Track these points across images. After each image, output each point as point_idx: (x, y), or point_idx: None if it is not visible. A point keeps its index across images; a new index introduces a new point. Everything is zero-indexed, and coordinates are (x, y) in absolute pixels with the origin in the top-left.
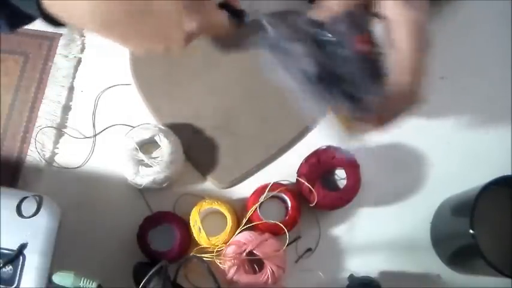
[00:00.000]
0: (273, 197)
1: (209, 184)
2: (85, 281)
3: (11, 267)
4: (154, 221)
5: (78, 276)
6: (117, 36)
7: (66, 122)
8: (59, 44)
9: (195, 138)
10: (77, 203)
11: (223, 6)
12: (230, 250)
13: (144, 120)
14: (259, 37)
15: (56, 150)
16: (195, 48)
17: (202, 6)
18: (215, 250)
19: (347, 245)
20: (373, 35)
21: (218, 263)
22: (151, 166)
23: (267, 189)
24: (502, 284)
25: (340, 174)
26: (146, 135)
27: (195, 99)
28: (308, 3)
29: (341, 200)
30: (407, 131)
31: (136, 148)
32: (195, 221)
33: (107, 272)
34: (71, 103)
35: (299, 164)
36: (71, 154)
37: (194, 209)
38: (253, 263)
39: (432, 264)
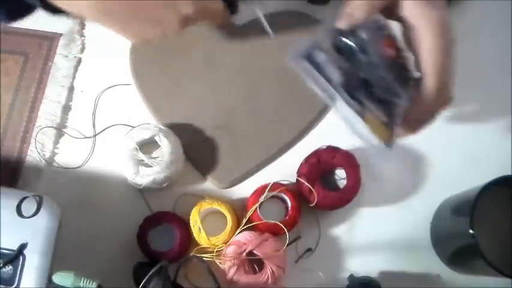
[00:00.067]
0: (273, 197)
1: (209, 184)
2: (85, 281)
3: (11, 267)
4: (154, 221)
5: (78, 276)
6: (114, 22)
7: (66, 122)
8: (59, 44)
9: (195, 138)
10: (77, 203)
11: None
12: (230, 250)
13: (144, 120)
14: (288, 51)
15: (56, 150)
16: (195, 48)
17: None
18: (215, 250)
19: (347, 245)
20: (398, 39)
21: (218, 263)
22: (151, 166)
23: (267, 189)
24: (502, 284)
25: (340, 174)
26: (146, 135)
27: (195, 99)
28: (308, 3)
29: (341, 200)
30: None
31: (136, 148)
32: (195, 221)
33: (107, 272)
34: (71, 103)
35: (299, 164)
36: (71, 154)
37: (194, 209)
38: (253, 263)
39: (432, 264)
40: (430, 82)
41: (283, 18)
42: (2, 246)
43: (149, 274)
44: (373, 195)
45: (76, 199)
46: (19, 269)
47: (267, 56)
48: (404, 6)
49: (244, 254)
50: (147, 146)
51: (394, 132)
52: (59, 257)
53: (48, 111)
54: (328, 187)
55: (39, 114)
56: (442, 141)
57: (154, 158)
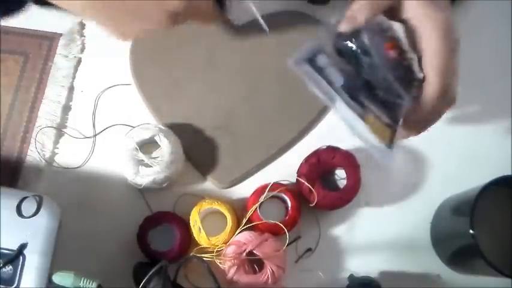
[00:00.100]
0: (273, 197)
1: (209, 184)
2: (85, 281)
3: (11, 267)
4: (154, 221)
5: (78, 276)
6: (103, 18)
7: (66, 122)
8: (59, 44)
9: (195, 138)
10: (77, 203)
11: None
12: (230, 250)
13: (144, 120)
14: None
15: (56, 150)
16: (195, 48)
17: None
18: (215, 250)
19: (347, 245)
20: (401, 40)
21: (218, 263)
22: (151, 166)
23: (267, 189)
24: (502, 284)
25: (340, 174)
26: (146, 135)
27: (195, 99)
28: (308, 3)
29: (341, 200)
30: None
31: (136, 148)
32: (195, 221)
33: (107, 272)
34: (71, 103)
35: (299, 164)
36: (71, 154)
37: (194, 209)
38: (253, 263)
39: (432, 264)
40: (433, 83)
41: (283, 18)
42: (2, 246)
43: (149, 274)
44: (373, 196)
45: (76, 199)
46: (19, 269)
47: (267, 56)
48: (408, 8)
49: (244, 254)
50: (147, 146)
51: (397, 133)
52: (59, 257)
53: (48, 111)
54: (328, 187)
55: (39, 114)
56: (442, 141)
57: (154, 158)
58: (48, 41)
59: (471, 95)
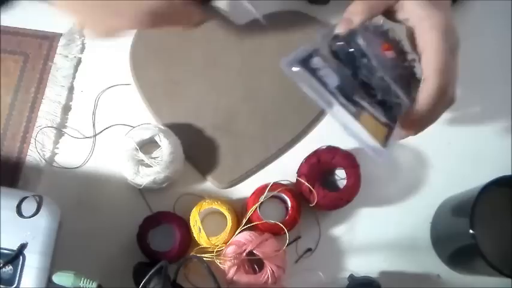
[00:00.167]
0: (273, 197)
1: (209, 184)
2: (85, 281)
3: (11, 267)
4: (154, 221)
5: (78, 276)
6: (84, 15)
7: (66, 122)
8: (59, 44)
9: (195, 138)
10: (77, 203)
11: None
12: (230, 250)
13: (144, 120)
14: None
15: (56, 150)
16: (195, 48)
17: None
18: (215, 250)
19: (347, 245)
20: (401, 41)
21: (218, 263)
22: (151, 166)
23: (267, 189)
24: (502, 284)
25: (340, 174)
26: (146, 135)
27: (195, 99)
28: (308, 3)
29: (341, 200)
30: None
31: (136, 148)
32: (195, 221)
33: (107, 272)
34: (71, 103)
35: (299, 164)
36: (71, 154)
37: (194, 209)
38: (253, 263)
39: (432, 264)
40: (430, 82)
41: (283, 18)
42: (2, 246)
43: (149, 274)
44: (373, 195)
45: (76, 199)
46: (19, 269)
47: (267, 56)
48: (407, 8)
49: (244, 254)
50: (147, 146)
51: (395, 133)
52: (59, 257)
53: (48, 111)
54: (328, 187)
55: (39, 114)
56: (442, 141)
57: (154, 158)
58: (48, 41)
59: (471, 95)
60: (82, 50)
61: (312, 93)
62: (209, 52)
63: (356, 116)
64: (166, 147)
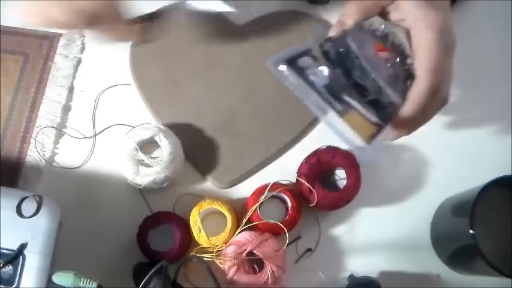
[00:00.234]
0: (273, 197)
1: (209, 184)
2: (85, 281)
3: (11, 267)
4: (154, 221)
5: (78, 276)
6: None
7: (66, 122)
8: (59, 44)
9: (195, 138)
10: (77, 203)
11: None
12: (230, 250)
13: (144, 120)
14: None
15: (56, 150)
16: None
17: None
18: (215, 250)
19: (347, 245)
20: (399, 44)
21: (218, 263)
22: (151, 166)
23: (267, 189)
24: (502, 284)
25: (340, 174)
26: (146, 135)
27: (195, 99)
28: (308, 3)
29: (341, 200)
30: None
31: (136, 148)
32: (195, 221)
33: (107, 272)
34: (71, 103)
35: (299, 164)
36: (71, 154)
37: (194, 209)
38: (253, 263)
39: (432, 264)
40: (422, 82)
41: (283, 18)
42: (2, 246)
43: (149, 274)
44: (373, 195)
45: (76, 199)
46: (19, 269)
47: (267, 56)
48: (403, 8)
49: (244, 254)
50: (147, 146)
51: (384, 132)
52: (59, 257)
53: (48, 111)
54: (328, 187)
55: (39, 114)
56: (442, 141)
57: (154, 158)
58: (48, 41)
59: (471, 95)
60: (82, 50)
61: (297, 92)
62: (209, 52)
63: (341, 114)
64: (166, 147)
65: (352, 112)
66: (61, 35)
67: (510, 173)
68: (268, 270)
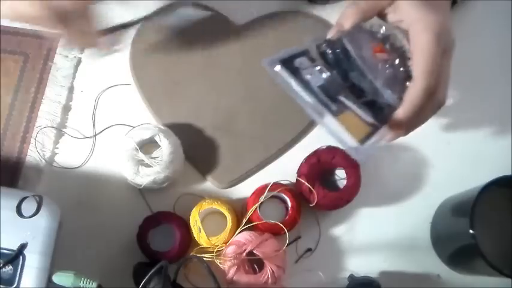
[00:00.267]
0: (273, 197)
1: (209, 184)
2: (85, 281)
3: (11, 267)
4: (154, 221)
5: (78, 276)
6: None
7: (66, 122)
8: (59, 44)
9: (195, 138)
10: (77, 203)
11: None
12: (230, 250)
13: (144, 120)
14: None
15: (56, 150)
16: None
17: None
18: (215, 250)
19: (347, 245)
20: (400, 47)
21: (218, 263)
22: (151, 166)
23: (267, 189)
24: (502, 284)
25: (340, 174)
26: (146, 135)
27: (195, 99)
28: (308, 3)
29: (341, 200)
30: None
31: (136, 148)
32: (195, 221)
33: (107, 272)
34: (71, 103)
35: (299, 164)
36: (71, 154)
37: (194, 209)
38: (253, 263)
39: (432, 264)
40: (418, 84)
41: (283, 18)
42: (2, 246)
43: (149, 274)
44: (373, 195)
45: (76, 199)
46: (19, 269)
47: (267, 56)
48: (402, 9)
49: (244, 254)
50: (147, 146)
51: (380, 132)
52: (59, 257)
53: (48, 111)
54: (328, 187)
55: (39, 114)
56: (442, 141)
57: (154, 158)
58: (48, 41)
59: (471, 95)
60: (82, 50)
61: (291, 93)
62: (209, 52)
63: (335, 114)
64: (166, 147)
65: (347, 113)
66: (61, 35)
67: (510, 173)
68: (268, 270)
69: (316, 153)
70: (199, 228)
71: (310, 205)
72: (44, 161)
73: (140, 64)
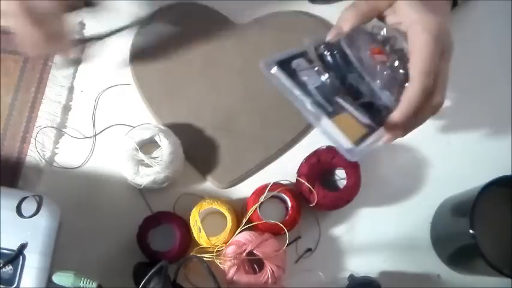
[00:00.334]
0: (273, 197)
1: (209, 184)
2: (85, 281)
3: (11, 267)
4: (154, 221)
5: (78, 276)
6: None
7: (66, 122)
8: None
9: (195, 138)
10: (77, 203)
11: None
12: (230, 250)
13: (144, 120)
14: (269, 58)
15: (56, 150)
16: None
17: None
18: (215, 250)
19: (347, 245)
20: (400, 49)
21: (218, 263)
22: (151, 166)
23: (267, 189)
24: (502, 284)
25: (340, 174)
26: (146, 135)
27: (195, 99)
28: (308, 3)
29: (341, 200)
30: None
31: (136, 148)
32: (195, 221)
33: (107, 272)
34: (71, 103)
35: (299, 164)
36: (71, 154)
37: (194, 209)
38: (253, 263)
39: (432, 264)
40: (415, 85)
41: (283, 18)
42: (2, 246)
43: (149, 274)
44: (373, 195)
45: (76, 199)
46: (19, 269)
47: (267, 56)
48: (402, 11)
49: (244, 254)
50: (147, 146)
51: (376, 134)
52: (59, 257)
53: (48, 111)
54: (328, 187)
55: (39, 114)
56: (442, 141)
57: (154, 158)
58: None
59: (471, 95)
60: (82, 50)
61: (287, 94)
62: (209, 52)
63: (330, 115)
64: (166, 147)
65: (343, 114)
66: None
67: (510, 173)
68: (268, 270)
69: (316, 153)
70: (199, 228)
71: (310, 205)
72: (44, 161)
73: (140, 64)
